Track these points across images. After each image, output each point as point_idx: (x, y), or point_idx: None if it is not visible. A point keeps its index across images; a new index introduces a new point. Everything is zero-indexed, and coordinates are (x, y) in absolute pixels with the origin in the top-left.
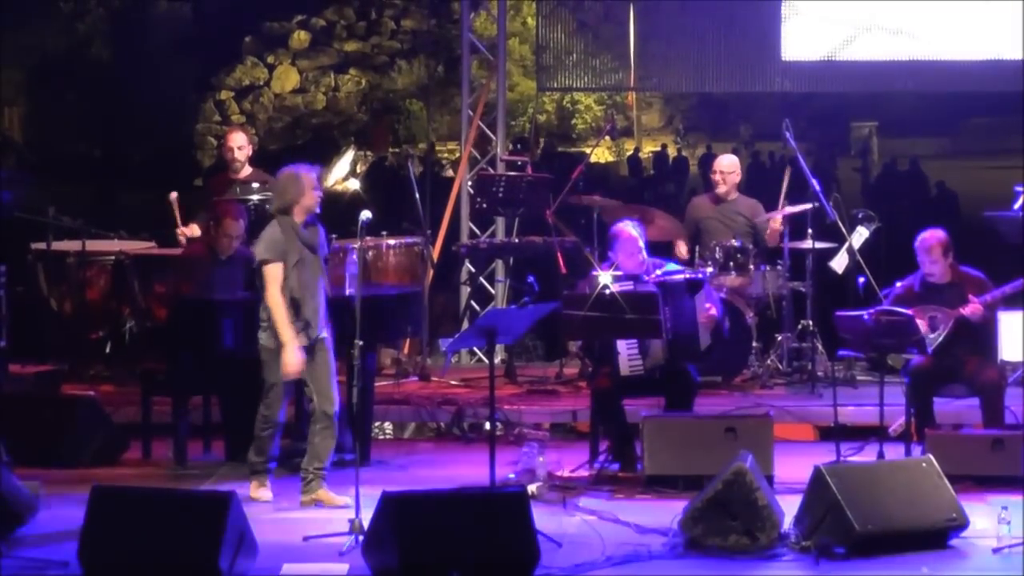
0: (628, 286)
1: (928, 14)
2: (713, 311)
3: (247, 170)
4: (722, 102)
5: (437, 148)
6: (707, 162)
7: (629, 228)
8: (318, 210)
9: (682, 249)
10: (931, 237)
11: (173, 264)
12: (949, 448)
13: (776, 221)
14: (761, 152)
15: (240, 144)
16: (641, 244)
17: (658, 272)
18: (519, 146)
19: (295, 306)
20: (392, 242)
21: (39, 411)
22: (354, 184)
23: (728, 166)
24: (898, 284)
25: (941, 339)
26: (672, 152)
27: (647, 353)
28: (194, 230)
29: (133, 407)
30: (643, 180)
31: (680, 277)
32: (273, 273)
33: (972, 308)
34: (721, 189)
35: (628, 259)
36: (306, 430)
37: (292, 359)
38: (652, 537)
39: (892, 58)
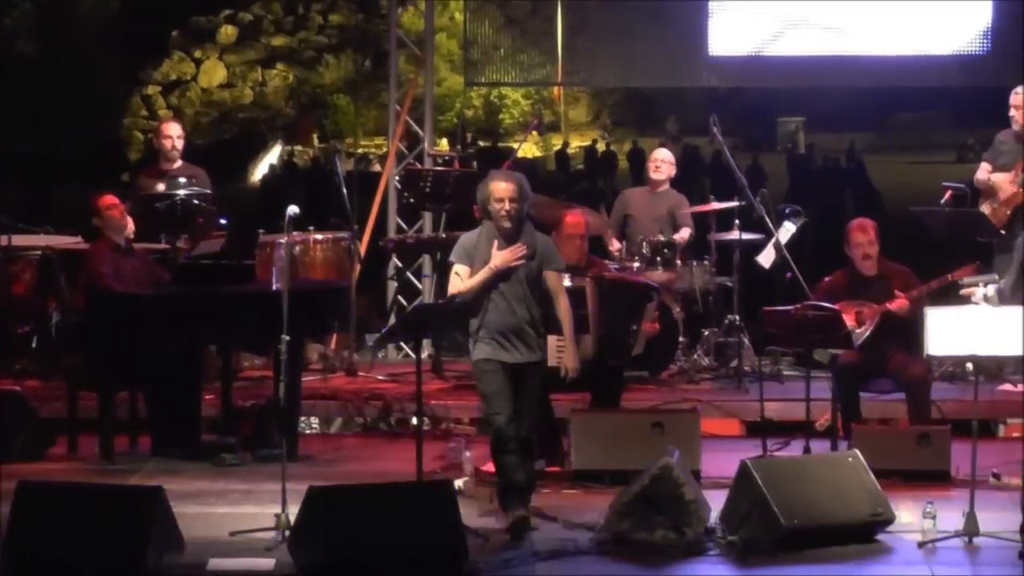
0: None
1: (855, 10)
2: (657, 326)
3: (179, 162)
4: (649, 97)
5: (364, 143)
6: (636, 156)
7: (577, 216)
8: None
9: (615, 244)
10: (865, 220)
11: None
12: (875, 443)
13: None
14: (688, 146)
15: (177, 133)
16: (585, 233)
17: (614, 268)
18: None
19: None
20: (319, 237)
21: None
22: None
23: (666, 157)
24: (826, 279)
25: (868, 334)
26: (601, 147)
27: (576, 347)
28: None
29: (59, 402)
30: (570, 175)
31: (639, 280)
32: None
33: (898, 303)
34: (658, 176)
35: (568, 246)
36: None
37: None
38: (579, 532)
39: (819, 53)
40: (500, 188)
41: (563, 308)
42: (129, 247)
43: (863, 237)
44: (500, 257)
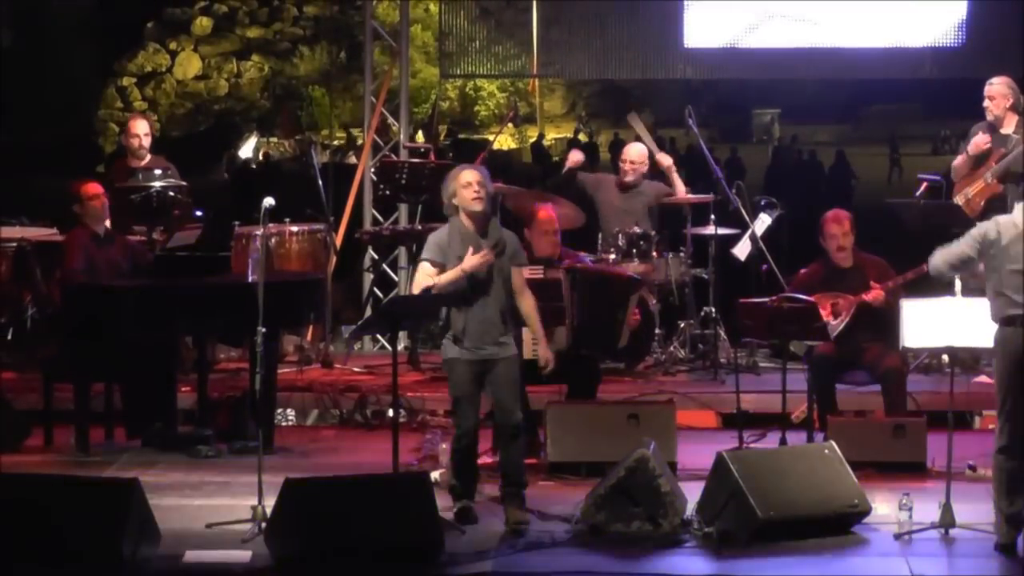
0: (538, 271)
1: (830, 2)
2: (638, 316)
3: (148, 157)
4: (625, 89)
5: (339, 135)
6: (617, 148)
7: (549, 211)
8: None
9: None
10: (840, 211)
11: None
12: (851, 434)
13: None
14: (663, 138)
15: (144, 131)
16: (558, 227)
17: (590, 258)
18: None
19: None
20: (295, 229)
21: None
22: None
23: (637, 156)
24: (802, 271)
25: (843, 326)
26: (584, 138)
27: (551, 337)
28: None
29: (34, 394)
30: (547, 167)
31: (624, 272)
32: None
33: (874, 294)
34: (629, 178)
35: (542, 241)
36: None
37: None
38: (555, 523)
39: (794, 45)
40: (467, 175)
41: (528, 304)
42: (108, 236)
43: (837, 229)
44: (471, 261)
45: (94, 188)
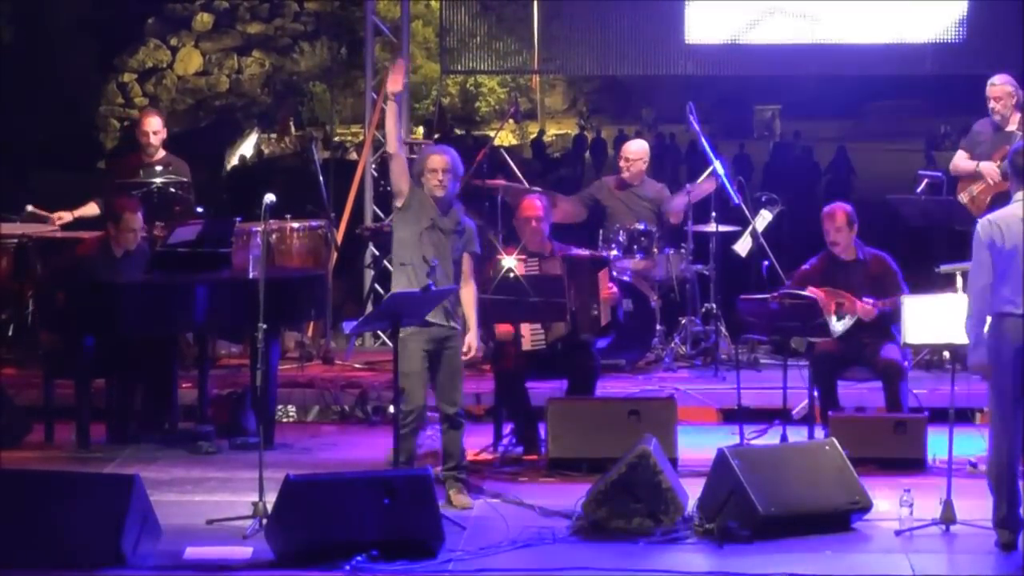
0: (534, 265)
1: None
2: (614, 289)
3: (160, 153)
4: (626, 85)
5: (340, 131)
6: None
7: (531, 200)
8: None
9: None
10: (836, 205)
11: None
12: (852, 431)
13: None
14: (664, 134)
15: (156, 129)
16: (545, 214)
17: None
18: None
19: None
20: (296, 225)
21: None
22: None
23: (635, 152)
24: (804, 266)
25: (848, 327)
26: (590, 135)
27: (549, 327)
28: (63, 216)
29: (35, 390)
30: (547, 163)
31: (585, 253)
32: None
33: (865, 310)
34: (626, 175)
35: (524, 230)
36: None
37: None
38: (556, 520)
39: (795, 41)
40: (435, 160)
41: (470, 292)
42: (127, 255)
43: (830, 224)
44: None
45: (136, 219)
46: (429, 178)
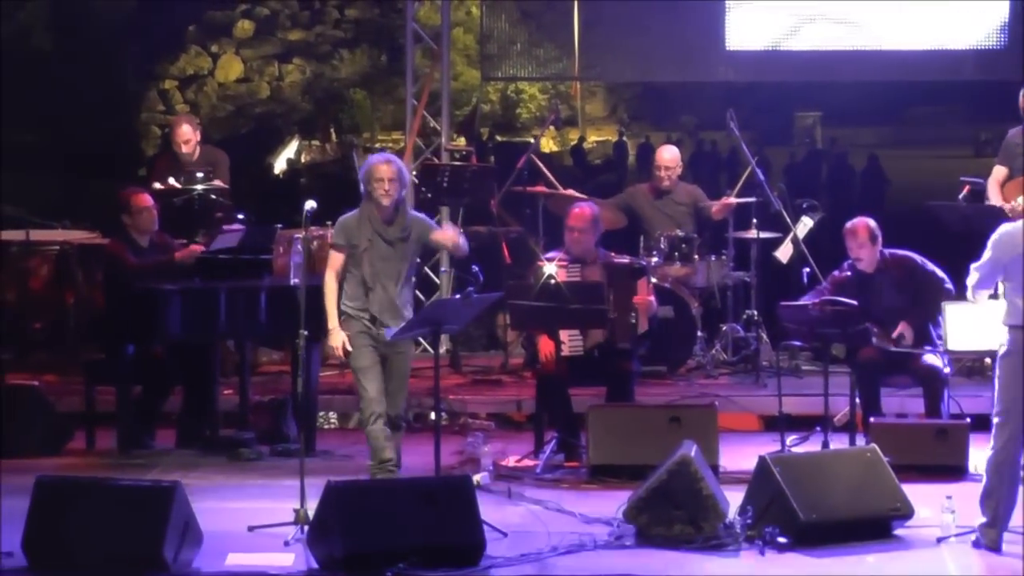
0: (576, 271)
1: (872, 4)
2: (651, 297)
3: (196, 153)
4: (666, 92)
5: (381, 138)
6: (646, 152)
7: (579, 210)
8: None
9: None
10: (858, 221)
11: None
12: (893, 438)
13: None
14: (705, 140)
15: (187, 138)
16: (591, 225)
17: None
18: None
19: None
20: None
21: None
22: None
23: (670, 160)
24: (835, 272)
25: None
26: (636, 141)
27: (587, 334)
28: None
29: (77, 396)
30: (588, 169)
31: (626, 260)
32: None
33: (901, 333)
34: (666, 183)
35: (569, 237)
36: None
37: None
38: (597, 527)
39: (836, 48)
40: (380, 170)
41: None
42: (152, 245)
43: (852, 241)
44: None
45: (144, 200)
46: (375, 187)
